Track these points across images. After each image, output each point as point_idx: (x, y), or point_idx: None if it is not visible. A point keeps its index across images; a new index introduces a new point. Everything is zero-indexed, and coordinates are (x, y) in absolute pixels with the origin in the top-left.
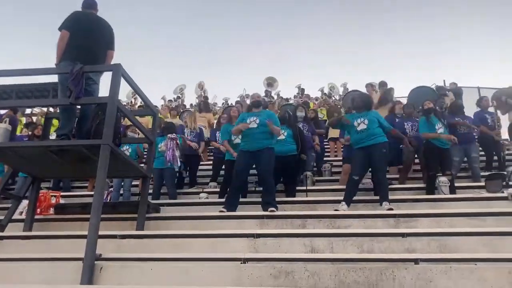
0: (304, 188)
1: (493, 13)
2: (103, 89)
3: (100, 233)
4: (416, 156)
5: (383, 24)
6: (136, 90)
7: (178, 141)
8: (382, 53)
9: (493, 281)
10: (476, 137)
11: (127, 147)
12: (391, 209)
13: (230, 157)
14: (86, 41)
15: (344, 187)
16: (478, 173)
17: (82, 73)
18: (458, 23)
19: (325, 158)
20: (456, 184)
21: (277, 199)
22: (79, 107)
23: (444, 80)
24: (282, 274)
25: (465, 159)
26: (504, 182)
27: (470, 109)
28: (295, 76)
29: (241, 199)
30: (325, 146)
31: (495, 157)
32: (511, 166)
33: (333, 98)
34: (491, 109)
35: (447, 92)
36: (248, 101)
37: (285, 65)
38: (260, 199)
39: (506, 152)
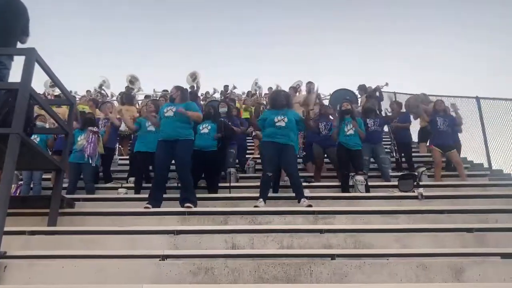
0: (227, 184)
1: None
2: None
3: (7, 229)
4: (325, 155)
5: (310, 26)
6: (52, 78)
7: (99, 135)
8: (307, 53)
9: (402, 274)
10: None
11: (35, 136)
12: (310, 205)
13: (139, 149)
14: None
15: None
16: (388, 173)
17: None
18: (380, 31)
19: (249, 155)
20: (370, 183)
21: (200, 195)
22: None
23: (364, 84)
24: (202, 271)
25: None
26: (415, 182)
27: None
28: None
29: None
30: (250, 143)
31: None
32: (422, 167)
33: (261, 94)
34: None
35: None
36: None
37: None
38: None
39: (418, 154)
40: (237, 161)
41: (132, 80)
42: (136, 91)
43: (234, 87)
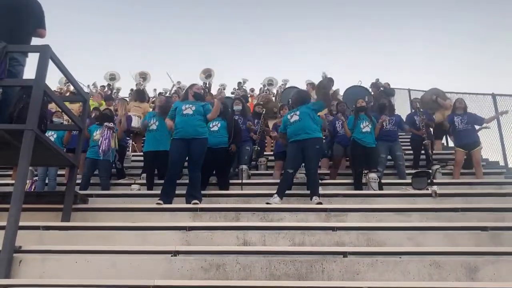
0: (239, 181)
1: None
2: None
3: (22, 224)
4: (345, 153)
5: (321, 23)
6: (66, 74)
7: (115, 131)
8: (319, 50)
9: (415, 272)
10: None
11: (52, 133)
12: (320, 203)
13: (149, 148)
14: (8, 18)
15: (278, 181)
16: (404, 170)
17: (6, 53)
18: (394, 26)
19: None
20: (383, 181)
21: (212, 192)
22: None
23: (377, 79)
24: (213, 267)
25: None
26: (429, 180)
27: (401, 109)
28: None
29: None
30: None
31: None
32: (436, 165)
33: (273, 93)
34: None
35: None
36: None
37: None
38: None
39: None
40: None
41: (143, 77)
42: (145, 84)
43: (245, 81)
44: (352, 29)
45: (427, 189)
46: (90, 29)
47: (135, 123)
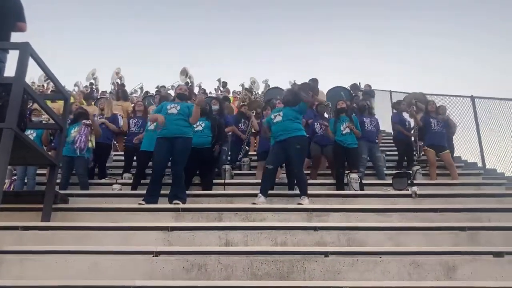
0: (222, 181)
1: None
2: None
3: (0, 224)
4: (322, 153)
5: (307, 24)
6: (47, 72)
7: (92, 129)
8: (303, 52)
9: (395, 272)
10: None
11: (32, 132)
12: (300, 203)
13: (145, 148)
14: None
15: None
16: (383, 172)
17: None
18: (378, 29)
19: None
20: (365, 182)
21: (195, 192)
22: None
23: (359, 82)
24: (195, 267)
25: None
26: (409, 181)
27: (381, 110)
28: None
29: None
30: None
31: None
32: (416, 166)
33: (254, 93)
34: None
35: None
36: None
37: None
38: None
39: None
40: (229, 158)
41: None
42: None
43: (225, 84)
44: (344, 30)
45: (407, 190)
46: (77, 30)
47: (120, 122)
